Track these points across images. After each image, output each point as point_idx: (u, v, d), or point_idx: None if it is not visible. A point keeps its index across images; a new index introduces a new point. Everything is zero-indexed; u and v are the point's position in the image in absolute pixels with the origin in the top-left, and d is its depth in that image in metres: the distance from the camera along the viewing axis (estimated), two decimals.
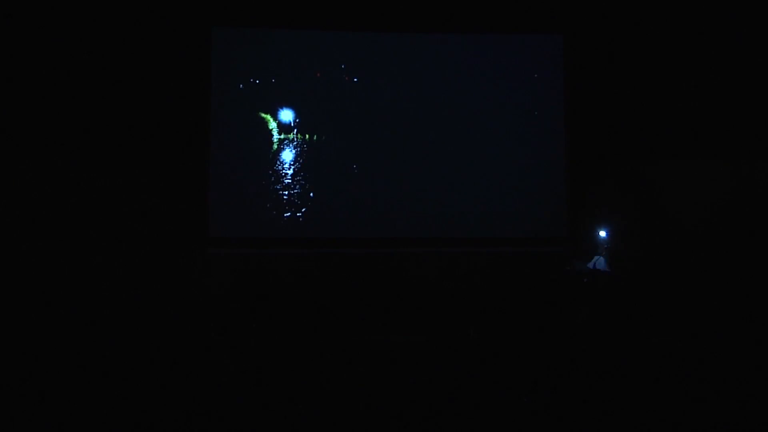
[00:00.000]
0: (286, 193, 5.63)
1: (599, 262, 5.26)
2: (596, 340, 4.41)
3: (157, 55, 5.52)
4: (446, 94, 5.77)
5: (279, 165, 5.64)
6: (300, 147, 5.66)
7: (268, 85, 5.67)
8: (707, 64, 5.77)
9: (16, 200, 5.33)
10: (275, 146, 5.64)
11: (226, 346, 4.32)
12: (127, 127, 5.48)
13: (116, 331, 4.58)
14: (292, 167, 5.65)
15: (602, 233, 5.39)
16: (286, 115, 5.67)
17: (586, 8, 5.77)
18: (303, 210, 5.63)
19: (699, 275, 5.41)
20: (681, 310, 4.81)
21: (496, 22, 5.79)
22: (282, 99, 5.66)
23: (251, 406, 3.45)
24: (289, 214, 5.62)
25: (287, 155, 5.65)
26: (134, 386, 3.60)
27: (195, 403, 3.44)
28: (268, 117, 5.65)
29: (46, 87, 5.41)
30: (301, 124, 5.67)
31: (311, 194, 5.64)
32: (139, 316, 4.92)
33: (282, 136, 5.65)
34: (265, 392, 3.59)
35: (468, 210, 5.72)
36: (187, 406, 3.41)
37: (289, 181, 5.64)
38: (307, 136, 5.67)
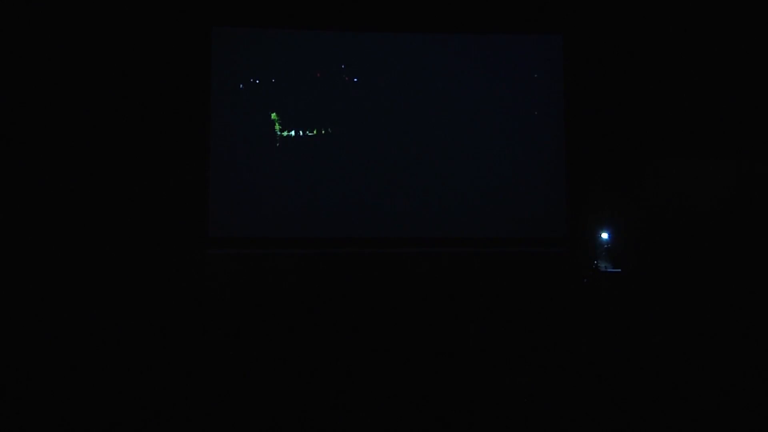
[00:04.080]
0: (286, 193, 5.62)
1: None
2: (597, 339, 4.40)
3: (157, 55, 5.51)
4: (446, 94, 5.77)
5: (279, 165, 5.63)
6: (300, 147, 5.66)
7: (268, 85, 5.67)
8: (708, 64, 5.77)
9: (14, 200, 5.33)
10: (275, 146, 5.64)
11: (225, 346, 4.32)
12: (127, 127, 5.48)
13: (115, 331, 4.57)
14: (292, 167, 5.64)
15: (604, 235, 5.40)
16: (286, 115, 5.67)
17: (586, 8, 5.78)
18: (303, 210, 5.63)
19: (699, 275, 5.41)
20: (682, 309, 4.81)
21: (496, 22, 5.79)
22: (282, 99, 5.66)
23: (251, 407, 3.44)
24: (289, 214, 5.61)
25: (287, 155, 5.64)
26: (133, 387, 3.59)
27: (195, 404, 3.43)
28: (268, 117, 5.64)
29: (45, 87, 5.40)
30: (301, 124, 5.67)
31: (311, 194, 5.64)
32: (138, 316, 4.92)
33: (282, 136, 5.65)
34: (265, 393, 3.59)
35: (468, 210, 5.71)
36: (187, 407, 3.40)
37: (289, 180, 5.63)
38: (307, 135, 5.67)
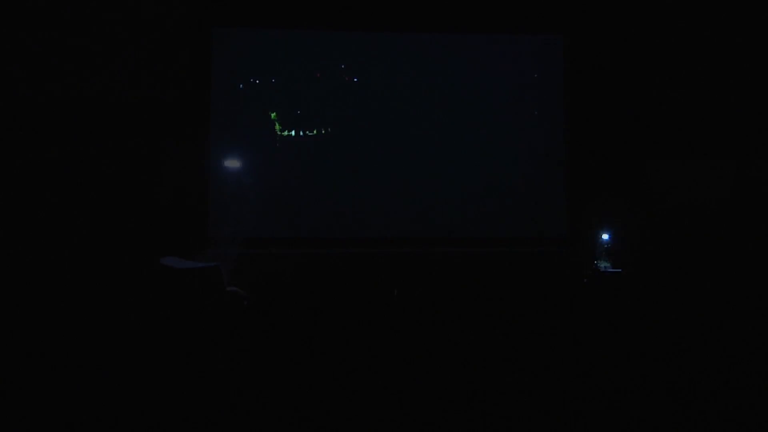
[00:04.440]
0: (286, 193, 5.62)
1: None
2: (597, 340, 4.40)
3: (157, 55, 5.52)
4: (446, 94, 5.78)
5: (279, 165, 5.63)
6: (300, 147, 5.66)
7: (268, 85, 5.67)
8: (708, 64, 5.78)
9: (12, 200, 5.33)
10: (275, 146, 5.64)
11: (225, 347, 4.31)
12: (126, 127, 5.49)
13: (113, 331, 4.56)
14: (292, 167, 5.64)
15: (604, 235, 5.39)
16: (286, 115, 5.67)
17: (586, 8, 5.78)
18: (303, 210, 5.63)
19: (700, 275, 5.40)
20: (683, 309, 4.81)
21: (496, 22, 5.79)
22: (282, 99, 5.66)
23: (251, 408, 3.44)
24: (289, 214, 5.61)
25: (287, 155, 5.64)
26: (131, 388, 3.59)
27: (193, 405, 3.43)
28: (268, 117, 5.65)
29: (44, 86, 5.41)
30: (300, 124, 5.67)
31: (311, 194, 5.64)
32: (137, 316, 4.91)
33: (282, 135, 5.65)
34: (264, 393, 3.58)
35: (468, 210, 5.72)
36: (186, 408, 3.40)
37: (289, 181, 5.63)
38: (307, 135, 5.67)
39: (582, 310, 5.02)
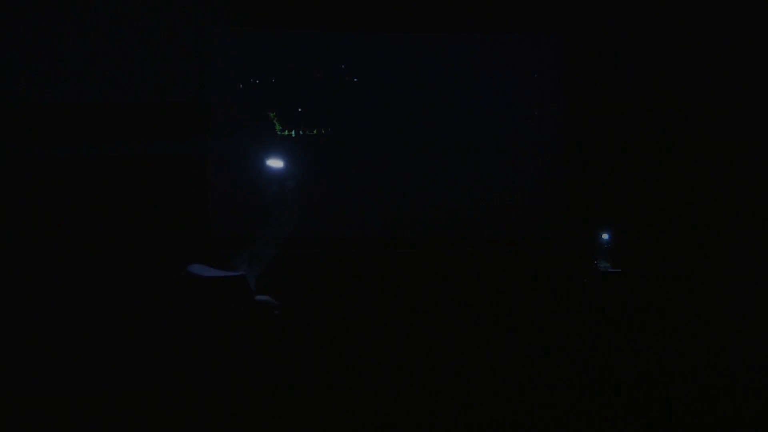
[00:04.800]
0: (286, 192, 5.62)
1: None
2: (597, 340, 4.41)
3: (157, 55, 5.52)
4: (446, 94, 5.78)
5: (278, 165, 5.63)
6: (300, 147, 5.66)
7: (268, 85, 5.67)
8: (708, 63, 5.77)
9: (13, 201, 5.33)
10: (275, 146, 5.64)
11: (226, 347, 4.32)
12: (126, 127, 5.49)
13: (115, 331, 4.58)
14: (292, 167, 5.64)
15: (604, 235, 5.40)
16: (286, 115, 5.67)
17: (585, 8, 5.78)
18: (303, 210, 5.63)
19: (700, 275, 5.42)
20: (682, 309, 4.82)
21: (496, 22, 5.79)
22: (282, 99, 5.66)
23: (252, 408, 3.45)
24: (289, 214, 5.62)
25: (287, 155, 5.64)
26: (133, 387, 3.60)
27: (194, 406, 3.44)
28: (268, 117, 5.65)
29: (44, 87, 5.41)
30: (300, 124, 5.68)
31: (311, 194, 5.64)
32: (139, 316, 4.92)
33: (282, 134, 5.65)
34: (265, 393, 3.59)
35: (468, 210, 5.72)
36: (186, 408, 3.41)
37: (289, 180, 5.63)
38: (307, 135, 5.68)
39: (582, 310, 5.04)
